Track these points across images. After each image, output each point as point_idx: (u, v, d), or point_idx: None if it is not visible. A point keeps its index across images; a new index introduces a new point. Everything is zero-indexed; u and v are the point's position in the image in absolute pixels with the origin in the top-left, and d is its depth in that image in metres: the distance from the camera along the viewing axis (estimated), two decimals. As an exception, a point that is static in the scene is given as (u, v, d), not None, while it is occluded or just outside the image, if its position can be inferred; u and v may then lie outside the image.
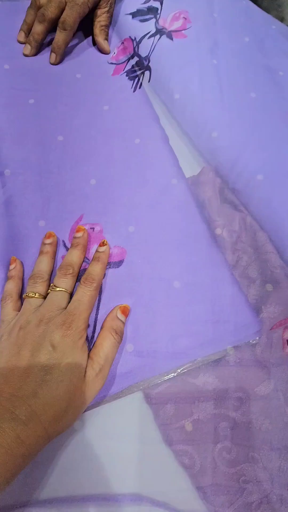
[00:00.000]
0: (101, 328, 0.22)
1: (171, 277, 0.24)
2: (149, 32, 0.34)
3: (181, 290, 0.24)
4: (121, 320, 0.22)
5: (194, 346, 0.22)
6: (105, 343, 0.21)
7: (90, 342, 0.22)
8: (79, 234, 0.25)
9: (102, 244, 0.25)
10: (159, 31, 0.34)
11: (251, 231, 0.27)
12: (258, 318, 0.23)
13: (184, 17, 0.35)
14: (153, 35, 0.34)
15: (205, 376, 0.22)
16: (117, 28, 0.36)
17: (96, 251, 0.24)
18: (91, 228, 0.27)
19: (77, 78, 0.34)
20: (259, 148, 0.28)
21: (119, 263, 0.25)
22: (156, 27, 0.34)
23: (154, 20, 0.35)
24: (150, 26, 0.35)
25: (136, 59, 0.34)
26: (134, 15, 0.36)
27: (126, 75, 0.34)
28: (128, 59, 0.34)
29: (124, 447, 0.21)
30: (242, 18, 0.37)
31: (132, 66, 0.34)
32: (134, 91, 0.33)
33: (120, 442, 0.21)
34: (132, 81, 0.33)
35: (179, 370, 0.22)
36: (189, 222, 0.26)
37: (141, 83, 0.33)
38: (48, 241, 0.25)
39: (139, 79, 0.33)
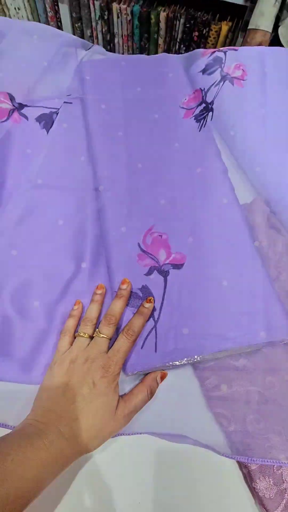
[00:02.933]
0: (142, 381, 0.27)
1: (220, 277, 0.31)
2: (215, 81, 0.43)
3: (228, 287, 0.30)
4: (158, 384, 0.28)
5: (237, 336, 0.28)
6: (139, 396, 0.26)
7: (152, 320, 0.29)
8: (124, 286, 0.29)
9: (149, 301, 0.29)
10: (223, 77, 0.42)
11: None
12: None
13: (243, 69, 0.43)
14: (218, 83, 0.42)
15: (245, 360, 0.28)
16: (191, 82, 0.45)
17: (142, 305, 0.29)
18: (159, 235, 0.34)
19: (155, 118, 0.43)
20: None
21: (180, 266, 0.32)
22: (221, 75, 0.42)
23: (219, 69, 0.43)
24: (216, 75, 0.43)
25: (203, 105, 0.43)
26: (204, 71, 0.45)
27: (194, 119, 0.42)
28: (197, 106, 0.43)
29: (173, 401, 0.28)
30: None
31: (200, 111, 0.42)
32: (199, 130, 0.41)
33: (171, 398, 0.28)
34: (199, 123, 0.42)
35: (224, 353, 0.28)
36: (239, 238, 0.33)
37: (205, 123, 0.41)
38: (99, 291, 0.31)
39: (204, 120, 0.42)
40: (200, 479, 0.26)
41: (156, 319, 0.30)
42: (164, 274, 0.32)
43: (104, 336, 0.27)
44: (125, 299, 0.29)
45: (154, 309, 0.30)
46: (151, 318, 0.30)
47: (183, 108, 0.44)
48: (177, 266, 0.32)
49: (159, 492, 0.25)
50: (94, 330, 0.29)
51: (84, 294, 0.32)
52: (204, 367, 0.28)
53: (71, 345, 0.28)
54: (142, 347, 0.28)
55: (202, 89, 0.43)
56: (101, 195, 0.36)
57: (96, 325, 0.29)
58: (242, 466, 0.26)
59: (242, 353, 0.29)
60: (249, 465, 0.25)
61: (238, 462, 0.26)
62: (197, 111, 0.42)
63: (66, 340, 0.28)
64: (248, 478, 0.25)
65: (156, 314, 0.30)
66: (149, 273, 0.32)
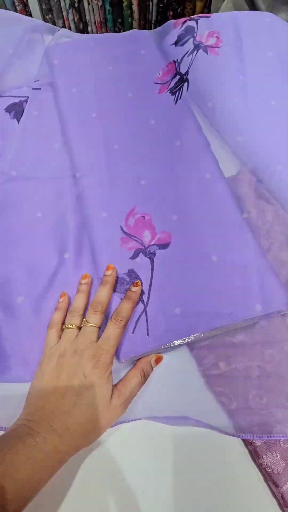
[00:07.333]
0: (135, 365, 0.26)
1: (209, 252, 0.29)
2: (188, 50, 0.40)
3: (218, 262, 0.29)
4: (152, 367, 0.27)
5: (232, 311, 0.27)
6: (133, 380, 0.25)
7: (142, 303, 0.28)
8: (108, 272, 0.28)
9: (136, 284, 0.28)
10: (196, 46, 0.40)
11: (284, 222, 0.32)
12: (287, 292, 0.27)
13: (217, 36, 0.41)
14: (191, 52, 0.40)
15: (241, 336, 0.27)
16: (164, 56, 0.43)
17: (129, 290, 0.28)
18: (142, 216, 0.33)
19: (129, 97, 0.41)
20: (285, 150, 0.33)
21: (167, 245, 0.31)
22: (194, 44, 0.40)
23: (192, 38, 0.41)
24: (189, 45, 0.40)
25: (178, 77, 0.40)
26: (176, 43, 0.42)
27: (170, 92, 0.40)
28: (172, 78, 0.41)
29: (171, 383, 0.27)
30: (265, 34, 0.41)
31: (175, 83, 0.40)
32: (175, 103, 0.39)
33: (168, 380, 0.27)
34: (174, 95, 0.40)
35: (220, 330, 0.27)
36: (226, 211, 0.31)
37: (181, 95, 0.39)
38: (84, 281, 0.29)
39: (179, 92, 0.39)
40: (204, 461, 0.25)
41: (145, 303, 0.28)
42: (150, 255, 0.30)
43: (92, 325, 0.26)
44: (111, 286, 0.28)
45: (142, 292, 0.29)
46: (140, 302, 0.28)
47: (157, 83, 0.42)
48: (163, 246, 0.31)
49: (163, 478, 0.24)
50: (82, 321, 0.27)
51: (70, 285, 0.30)
52: (200, 346, 0.27)
53: (60, 338, 0.27)
54: (133, 332, 0.27)
55: (175, 60, 0.41)
56: (79, 182, 0.35)
57: (84, 316, 0.28)
58: (247, 443, 0.25)
59: (238, 328, 0.27)
60: (254, 441, 0.24)
61: (242, 439, 0.25)
62: (172, 83, 0.40)
63: (53, 334, 0.27)
64: (254, 454, 0.24)
65: (145, 297, 0.28)
66: (134, 256, 0.30)
